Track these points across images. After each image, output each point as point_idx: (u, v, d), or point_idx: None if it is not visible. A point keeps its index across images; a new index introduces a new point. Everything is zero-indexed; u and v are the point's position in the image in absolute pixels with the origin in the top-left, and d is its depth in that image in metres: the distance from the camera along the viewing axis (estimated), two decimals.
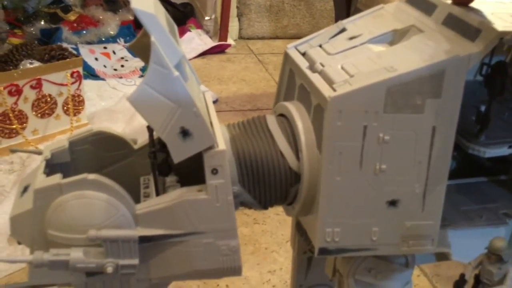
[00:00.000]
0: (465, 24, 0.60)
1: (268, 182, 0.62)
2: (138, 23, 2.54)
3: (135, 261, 0.55)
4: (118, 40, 2.47)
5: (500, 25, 0.57)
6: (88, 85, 2.02)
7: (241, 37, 2.97)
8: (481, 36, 0.58)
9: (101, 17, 2.52)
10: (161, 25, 0.51)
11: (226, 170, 0.55)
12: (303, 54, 0.67)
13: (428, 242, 0.63)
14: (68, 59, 1.79)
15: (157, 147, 0.60)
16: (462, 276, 0.60)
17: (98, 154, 0.65)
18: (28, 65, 1.72)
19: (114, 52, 2.39)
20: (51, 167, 0.60)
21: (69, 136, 0.64)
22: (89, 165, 0.63)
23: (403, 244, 0.63)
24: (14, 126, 1.68)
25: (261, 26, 2.97)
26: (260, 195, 0.63)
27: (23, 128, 1.72)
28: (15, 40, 2.17)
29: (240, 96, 2.25)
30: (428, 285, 1.27)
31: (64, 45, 2.07)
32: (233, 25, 2.90)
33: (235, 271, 0.59)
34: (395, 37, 0.66)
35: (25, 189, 0.59)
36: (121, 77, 2.25)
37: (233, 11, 2.87)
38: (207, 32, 2.80)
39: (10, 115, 1.66)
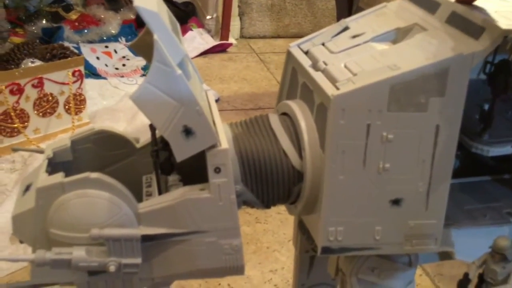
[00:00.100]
0: (468, 22, 0.60)
1: (271, 181, 0.62)
2: (140, 22, 2.55)
3: (138, 260, 0.54)
4: (119, 39, 2.46)
5: (504, 23, 0.57)
6: (89, 84, 2.02)
7: (242, 36, 2.96)
8: (484, 34, 0.57)
9: (102, 16, 2.52)
10: (164, 23, 0.51)
11: (229, 168, 0.55)
12: (306, 53, 0.67)
13: (431, 241, 0.63)
14: (69, 58, 1.79)
15: (159, 146, 0.60)
16: (466, 275, 0.60)
17: (100, 153, 0.64)
18: (30, 64, 1.72)
19: (115, 51, 2.39)
20: (53, 166, 0.60)
21: (71, 135, 0.64)
22: (91, 164, 0.63)
23: (406, 243, 0.63)
24: (15, 125, 1.68)
25: (263, 25, 2.97)
26: (263, 194, 0.63)
27: (25, 127, 1.72)
28: (17, 39, 2.17)
29: (242, 95, 2.25)
30: (431, 284, 1.27)
31: (66, 44, 2.07)
32: (235, 24, 2.90)
33: (238, 270, 0.59)
34: (398, 36, 0.66)
35: (27, 188, 0.58)
36: (122, 76, 2.24)
37: (235, 10, 2.86)
38: (208, 31, 2.79)
39: (12, 114, 1.66)
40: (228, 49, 2.73)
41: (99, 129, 0.64)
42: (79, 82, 1.81)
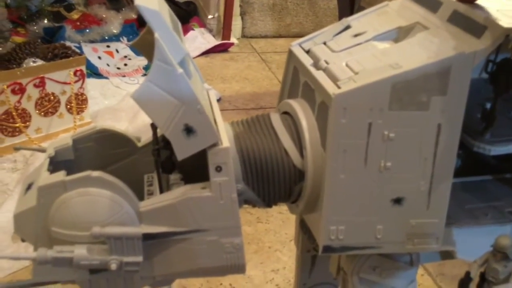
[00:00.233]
0: (470, 21, 0.60)
1: (272, 180, 0.62)
2: (141, 22, 2.55)
3: (139, 258, 0.55)
4: (121, 39, 2.47)
5: (506, 22, 0.57)
6: (91, 83, 2.02)
7: (244, 35, 2.96)
8: (486, 33, 0.57)
9: (104, 16, 2.52)
10: (165, 22, 0.51)
11: (230, 167, 0.55)
12: (307, 52, 0.67)
13: (433, 240, 0.63)
14: (71, 58, 1.79)
15: (161, 145, 0.60)
16: (468, 274, 0.60)
17: (102, 152, 0.65)
18: (31, 64, 1.72)
19: (117, 51, 2.39)
20: (54, 165, 0.60)
21: (73, 134, 0.64)
22: (93, 162, 0.63)
23: (407, 242, 0.62)
24: (17, 125, 1.68)
25: (264, 25, 2.96)
26: (264, 192, 0.63)
27: (26, 127, 1.72)
28: (18, 39, 2.18)
29: (243, 94, 2.25)
30: (432, 284, 1.27)
31: (67, 43, 2.07)
32: (236, 24, 2.89)
33: (239, 268, 0.59)
34: (400, 34, 0.66)
35: (29, 187, 0.59)
36: (124, 76, 2.25)
37: (236, 9, 2.86)
38: (210, 31, 2.79)
39: (13, 113, 1.66)
40: (230, 49, 2.73)
41: (100, 128, 0.64)
42: (80, 82, 1.81)
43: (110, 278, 0.57)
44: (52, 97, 1.76)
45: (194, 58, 2.50)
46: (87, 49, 2.28)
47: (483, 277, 0.61)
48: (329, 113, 0.57)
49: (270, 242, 1.38)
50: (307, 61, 0.65)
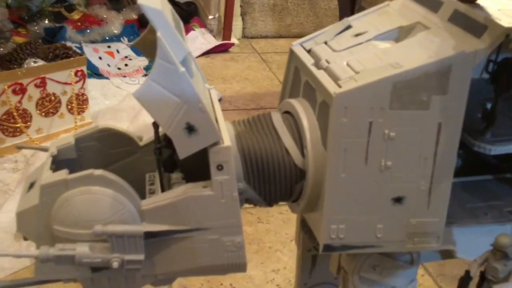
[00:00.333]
0: (471, 20, 0.60)
1: (273, 179, 0.62)
2: (142, 22, 2.55)
3: (141, 257, 0.55)
4: (122, 39, 2.47)
5: (507, 22, 0.57)
6: (92, 84, 2.02)
7: (244, 36, 2.97)
8: (487, 32, 0.58)
9: (105, 16, 2.53)
10: (168, 21, 0.51)
11: (231, 166, 0.55)
12: (309, 51, 0.67)
13: (433, 240, 0.63)
14: (72, 58, 1.79)
15: (162, 144, 0.60)
16: (468, 273, 0.60)
17: (104, 150, 0.65)
18: (32, 64, 1.72)
19: (118, 51, 2.39)
20: (57, 164, 0.60)
21: (75, 133, 0.64)
22: (95, 161, 0.63)
23: (408, 241, 0.63)
24: (18, 125, 1.69)
25: (265, 25, 2.97)
26: (265, 191, 0.63)
27: (27, 127, 1.72)
28: (19, 39, 2.18)
29: (244, 95, 2.25)
30: (433, 284, 1.27)
31: (68, 44, 2.07)
32: (237, 24, 2.90)
33: (240, 267, 0.59)
34: (400, 34, 0.66)
35: (31, 185, 0.59)
36: (125, 76, 2.25)
37: (237, 10, 2.86)
38: (210, 31, 2.80)
39: (14, 113, 1.66)
40: (230, 49, 2.73)
41: (103, 127, 0.64)
42: (81, 82, 1.82)
43: (111, 276, 0.57)
44: (53, 98, 1.77)
45: (195, 58, 2.50)
46: (88, 50, 2.28)
47: (483, 276, 0.61)
48: (330, 112, 0.57)
49: (270, 242, 1.38)
50: (308, 60, 0.65)
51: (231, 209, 0.56)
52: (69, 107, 1.81)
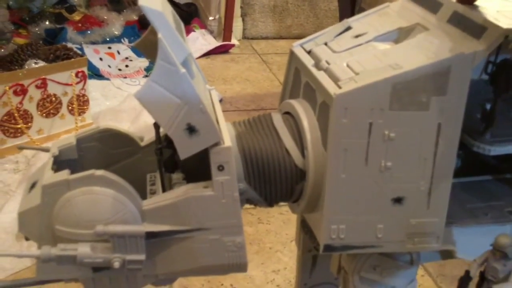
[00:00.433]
0: (470, 22, 0.60)
1: (273, 179, 0.62)
2: (143, 23, 2.55)
3: (142, 257, 0.55)
4: (122, 40, 2.47)
5: (506, 23, 0.57)
6: (92, 85, 2.03)
7: (245, 37, 2.97)
8: (486, 34, 0.58)
9: (105, 17, 2.53)
10: (168, 23, 0.51)
11: (232, 166, 0.55)
12: (309, 52, 0.67)
13: (433, 240, 0.63)
14: (73, 59, 1.80)
15: (163, 144, 0.60)
16: (467, 273, 0.61)
17: (105, 151, 0.65)
18: (33, 65, 1.73)
19: (118, 52, 2.40)
20: (58, 164, 0.61)
21: (77, 133, 0.65)
22: (96, 162, 0.64)
23: (408, 241, 0.63)
24: (19, 126, 1.69)
25: (265, 26, 2.97)
26: (266, 192, 0.63)
27: (28, 128, 1.72)
28: (20, 40, 2.18)
29: (244, 96, 2.26)
30: (433, 285, 1.27)
31: (69, 45, 2.08)
32: (237, 25, 2.90)
33: (241, 267, 0.60)
34: (400, 35, 0.66)
35: (33, 185, 0.59)
36: (125, 77, 2.25)
37: (237, 11, 2.87)
38: (211, 32, 2.80)
39: (15, 114, 1.67)
40: (231, 50, 2.74)
41: (104, 127, 0.65)
42: (82, 83, 1.82)
43: (113, 276, 0.58)
44: (53, 98, 1.77)
45: (195, 59, 2.50)
46: (89, 51, 2.28)
47: (482, 276, 0.61)
48: (330, 113, 0.57)
49: (271, 243, 1.38)
50: (308, 61, 0.65)
51: (232, 210, 0.57)
52: (70, 108, 1.82)
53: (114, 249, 0.54)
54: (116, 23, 2.49)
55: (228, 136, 0.56)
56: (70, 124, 1.82)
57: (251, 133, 0.64)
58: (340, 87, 0.57)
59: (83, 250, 0.54)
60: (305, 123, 0.63)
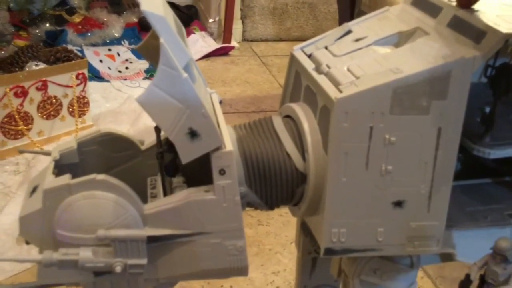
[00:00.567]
0: (470, 26, 0.61)
1: (274, 183, 0.63)
2: (143, 25, 2.55)
3: (143, 261, 0.55)
4: (122, 42, 2.47)
5: (505, 27, 0.58)
6: (93, 87, 2.03)
7: (244, 39, 2.97)
8: (486, 38, 0.58)
9: (105, 19, 2.53)
10: (170, 27, 0.51)
11: (234, 170, 0.56)
12: (309, 56, 0.67)
13: (433, 243, 0.63)
14: (73, 61, 1.80)
15: (164, 148, 0.60)
16: (467, 276, 0.61)
17: (106, 154, 0.65)
18: (34, 67, 1.73)
19: (118, 54, 2.40)
20: (59, 168, 0.61)
21: (77, 137, 0.65)
22: (97, 165, 0.64)
23: (408, 244, 0.63)
24: (19, 128, 1.69)
25: (265, 29, 2.97)
26: (267, 195, 0.63)
27: (29, 130, 1.72)
28: (21, 42, 2.18)
29: (244, 98, 2.26)
30: (432, 287, 1.27)
31: (69, 47, 2.08)
32: (237, 27, 2.90)
33: (242, 271, 0.60)
34: (400, 39, 0.66)
35: (34, 190, 0.59)
36: (125, 79, 2.25)
37: (237, 13, 2.87)
38: (211, 34, 2.80)
39: (16, 116, 1.67)
40: (231, 52, 2.74)
41: (105, 131, 0.65)
42: (82, 85, 1.82)
43: (114, 280, 0.58)
44: (54, 100, 1.77)
45: (195, 61, 2.50)
46: (89, 53, 2.29)
47: (482, 279, 0.61)
48: (331, 117, 0.57)
49: (270, 245, 1.38)
50: (309, 65, 0.65)
51: (233, 213, 0.57)
52: (70, 109, 1.82)
53: (115, 254, 0.54)
54: (116, 25, 2.50)
55: (229, 140, 0.57)
56: (71, 126, 1.82)
57: (252, 137, 0.64)
58: (341, 91, 0.57)
59: (84, 254, 0.54)
60: (305, 126, 0.63)
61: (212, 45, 2.70)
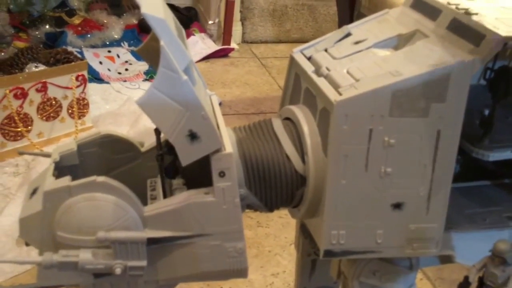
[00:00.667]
0: (469, 29, 0.61)
1: (274, 185, 0.63)
2: (142, 27, 2.55)
3: (143, 263, 0.55)
4: (122, 44, 2.48)
5: (504, 30, 0.58)
6: (92, 88, 2.03)
7: (244, 41, 2.97)
8: (485, 41, 0.58)
9: (105, 21, 2.53)
10: (171, 30, 0.52)
11: (233, 172, 0.56)
12: (309, 58, 0.68)
13: (432, 245, 0.63)
14: (73, 63, 1.80)
15: (164, 150, 0.60)
16: (466, 278, 0.61)
17: (106, 156, 0.65)
18: (34, 69, 1.73)
19: (118, 56, 2.40)
20: (59, 169, 0.61)
21: (77, 139, 0.65)
22: (97, 167, 0.64)
23: (407, 246, 0.63)
24: (19, 129, 1.69)
25: (264, 30, 2.98)
26: (266, 197, 0.64)
27: (28, 131, 1.72)
28: (20, 44, 2.19)
29: (244, 99, 2.26)
30: None
31: (69, 48, 2.08)
32: (237, 29, 2.90)
33: (241, 272, 0.60)
34: (400, 42, 0.67)
35: (34, 192, 0.59)
36: (125, 81, 2.25)
37: (237, 15, 2.87)
38: (210, 36, 2.80)
39: (16, 118, 1.67)
40: (230, 54, 2.74)
41: (105, 133, 0.65)
42: (82, 87, 1.82)
43: (114, 282, 0.58)
44: (54, 102, 1.77)
45: (195, 63, 2.50)
46: (89, 54, 2.29)
47: (481, 281, 0.61)
48: (331, 119, 0.57)
49: (270, 246, 1.38)
50: (308, 67, 0.65)
51: (233, 215, 0.57)
52: (70, 111, 1.82)
53: (115, 255, 0.54)
54: (116, 27, 2.50)
55: (229, 142, 0.57)
56: (70, 128, 1.82)
57: (252, 139, 0.64)
58: (340, 94, 0.58)
59: (84, 256, 0.54)
60: (305, 128, 0.63)
61: (212, 47, 2.71)
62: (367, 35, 0.68)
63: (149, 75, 2.29)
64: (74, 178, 0.56)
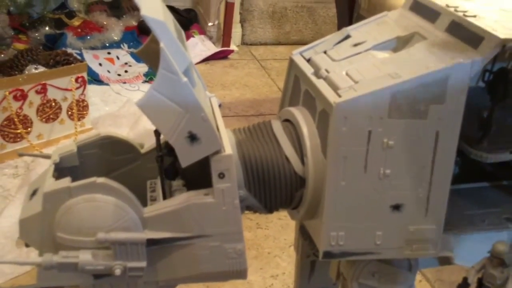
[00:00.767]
0: (468, 31, 0.61)
1: (273, 186, 0.63)
2: (142, 29, 2.56)
3: (143, 264, 0.55)
4: (121, 46, 2.48)
5: (503, 33, 0.58)
6: (92, 90, 2.03)
7: (244, 43, 2.98)
8: (483, 43, 0.59)
9: (105, 23, 2.54)
10: (170, 32, 0.52)
11: (233, 174, 0.56)
12: (308, 60, 0.68)
13: (431, 246, 0.64)
14: (72, 65, 1.80)
15: (164, 151, 0.61)
16: (465, 279, 0.61)
17: (106, 158, 0.66)
18: (33, 70, 1.73)
19: (117, 58, 2.40)
20: (59, 171, 0.61)
21: (77, 140, 0.65)
22: (97, 169, 0.64)
23: (406, 248, 0.63)
24: (19, 131, 1.69)
25: (264, 32, 2.98)
26: (266, 199, 0.64)
27: (28, 133, 1.73)
28: (20, 46, 2.19)
29: (243, 101, 2.26)
30: None
31: (69, 50, 2.08)
32: (236, 31, 2.91)
33: (241, 274, 0.60)
34: (399, 44, 0.67)
35: (34, 193, 0.59)
36: (124, 82, 2.26)
37: (236, 17, 2.88)
38: (210, 38, 2.81)
39: (15, 119, 1.67)
40: (230, 56, 2.74)
41: (105, 134, 0.65)
42: (82, 88, 1.83)
43: (114, 283, 0.58)
44: (53, 104, 1.78)
45: (194, 65, 2.50)
46: (88, 56, 2.29)
47: (480, 282, 0.62)
48: (330, 121, 0.58)
49: (269, 248, 1.39)
50: (308, 69, 0.66)
51: (233, 217, 0.57)
52: (70, 113, 1.82)
53: (115, 256, 0.54)
54: (115, 29, 2.50)
55: (228, 144, 0.57)
56: (70, 129, 1.82)
57: (251, 141, 0.64)
58: (339, 96, 0.58)
59: (84, 257, 0.54)
60: (304, 130, 0.64)
61: (211, 48, 2.71)
62: (366, 37, 0.68)
63: (149, 77, 2.29)
64: (74, 180, 0.56)
